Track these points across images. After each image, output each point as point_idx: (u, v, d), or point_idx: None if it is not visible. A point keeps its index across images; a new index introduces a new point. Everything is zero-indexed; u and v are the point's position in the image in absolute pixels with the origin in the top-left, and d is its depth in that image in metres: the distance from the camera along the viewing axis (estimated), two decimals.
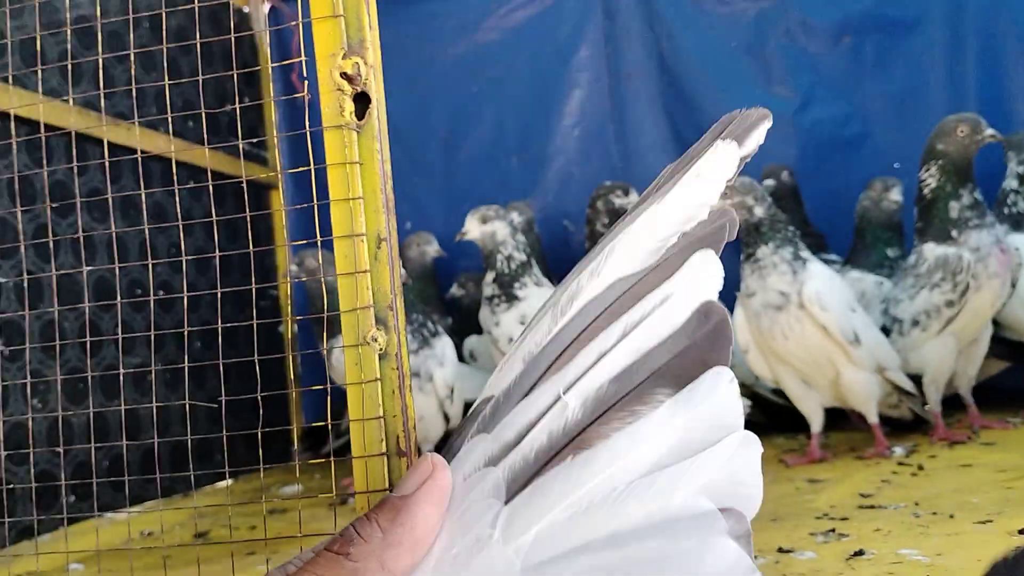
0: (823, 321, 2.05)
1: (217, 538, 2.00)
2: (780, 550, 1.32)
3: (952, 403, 2.40)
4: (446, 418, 2.41)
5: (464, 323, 3.03)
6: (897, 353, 2.27)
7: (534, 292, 2.44)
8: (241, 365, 3.19)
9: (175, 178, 1.45)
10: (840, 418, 2.43)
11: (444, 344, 2.38)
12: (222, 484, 2.76)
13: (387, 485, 0.88)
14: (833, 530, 1.41)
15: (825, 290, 2.08)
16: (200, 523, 2.21)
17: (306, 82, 1.02)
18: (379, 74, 0.98)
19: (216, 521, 2.23)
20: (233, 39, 1.36)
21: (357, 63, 0.95)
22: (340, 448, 3.10)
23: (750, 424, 0.62)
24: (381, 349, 0.94)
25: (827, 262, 2.97)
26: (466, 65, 3.47)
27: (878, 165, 3.09)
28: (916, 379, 2.29)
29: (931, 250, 2.24)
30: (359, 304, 0.95)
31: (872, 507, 1.54)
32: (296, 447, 3.50)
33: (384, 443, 0.90)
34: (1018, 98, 3.04)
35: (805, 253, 2.13)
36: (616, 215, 2.81)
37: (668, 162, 2.69)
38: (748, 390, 2.53)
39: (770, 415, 2.62)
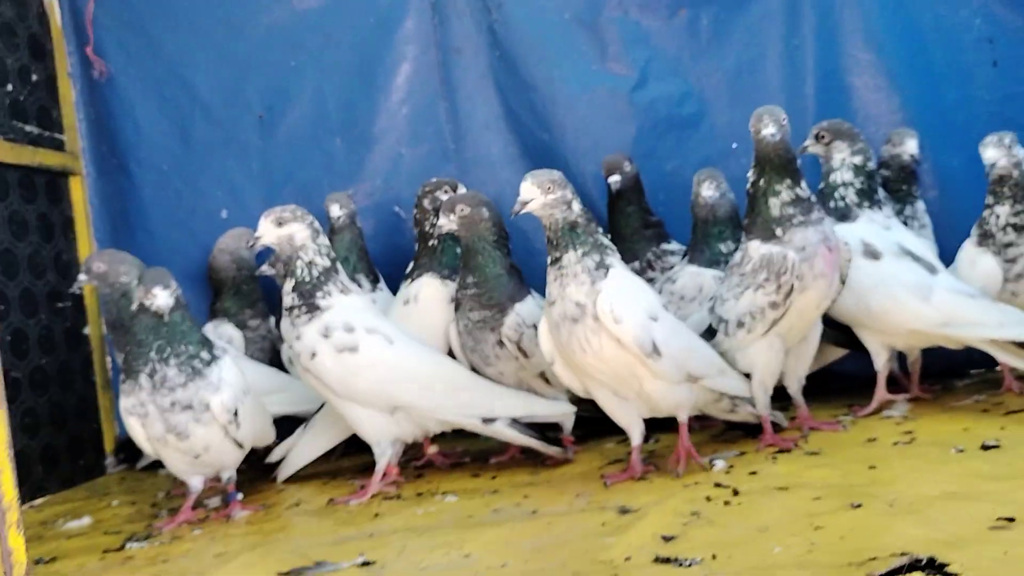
0: (617, 333, 1.89)
1: None
2: None
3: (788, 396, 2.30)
4: (237, 444, 2.18)
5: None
6: (724, 354, 2.16)
7: (339, 301, 2.21)
8: (40, 372, 2.86)
9: None
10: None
11: (221, 368, 2.13)
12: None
13: None
14: None
15: (620, 300, 1.91)
16: None
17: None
18: None
19: None
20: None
21: None
22: (154, 463, 2.82)
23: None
24: None
25: (669, 252, 2.85)
26: (282, 34, 3.15)
27: (716, 146, 2.97)
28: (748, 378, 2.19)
29: (756, 248, 2.11)
30: None
31: (668, 560, 1.39)
32: (110, 458, 3.20)
33: None
34: (854, 71, 2.95)
35: (611, 259, 1.96)
36: None
37: (502, 143, 2.50)
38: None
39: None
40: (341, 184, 3.05)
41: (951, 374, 2.63)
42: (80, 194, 3.19)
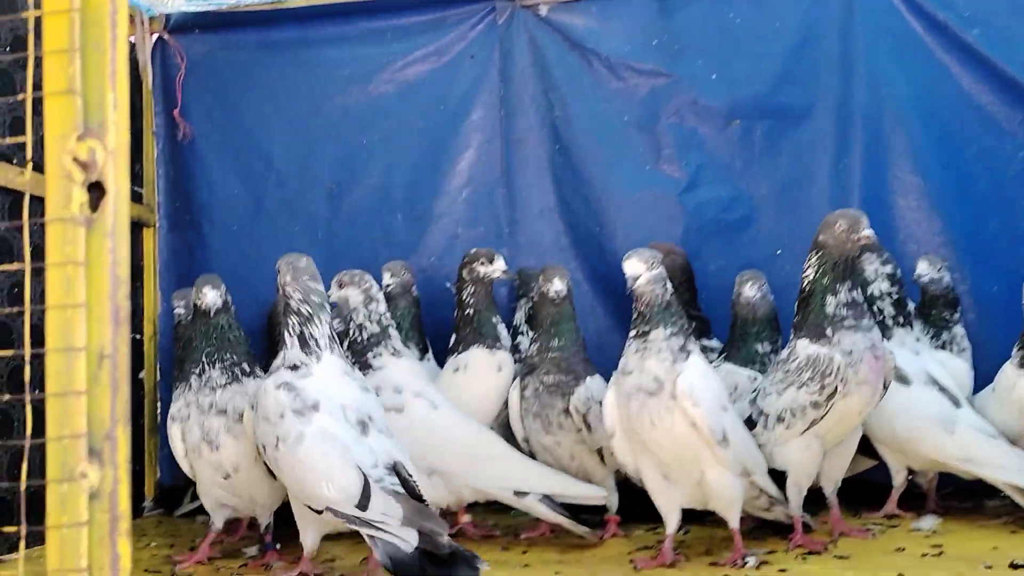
0: (693, 416, 1.97)
1: None
2: None
3: (821, 498, 2.35)
4: (270, 473, 2.16)
5: None
6: (761, 447, 2.21)
7: (390, 362, 2.34)
8: None
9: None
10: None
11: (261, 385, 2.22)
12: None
13: None
14: None
15: (700, 385, 2.00)
16: None
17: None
18: (122, 161, 0.85)
19: None
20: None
21: (93, 148, 0.82)
22: (196, 510, 2.90)
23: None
24: (93, 488, 0.81)
25: (709, 349, 2.92)
26: (357, 115, 3.35)
27: (760, 251, 3.08)
28: (782, 475, 2.24)
29: (803, 347, 2.18)
30: (68, 432, 0.82)
31: None
32: (148, 502, 3.28)
33: None
34: (899, 192, 3.06)
35: (692, 346, 2.06)
36: (481, 283, 2.72)
37: (555, 232, 2.62)
38: (619, 475, 2.45)
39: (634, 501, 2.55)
40: (398, 257, 3.18)
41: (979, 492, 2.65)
42: (151, 245, 3.37)
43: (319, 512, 1.92)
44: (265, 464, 2.12)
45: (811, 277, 2.21)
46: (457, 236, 3.29)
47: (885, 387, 2.24)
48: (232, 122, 3.40)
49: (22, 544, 1.02)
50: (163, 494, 3.23)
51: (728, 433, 2.02)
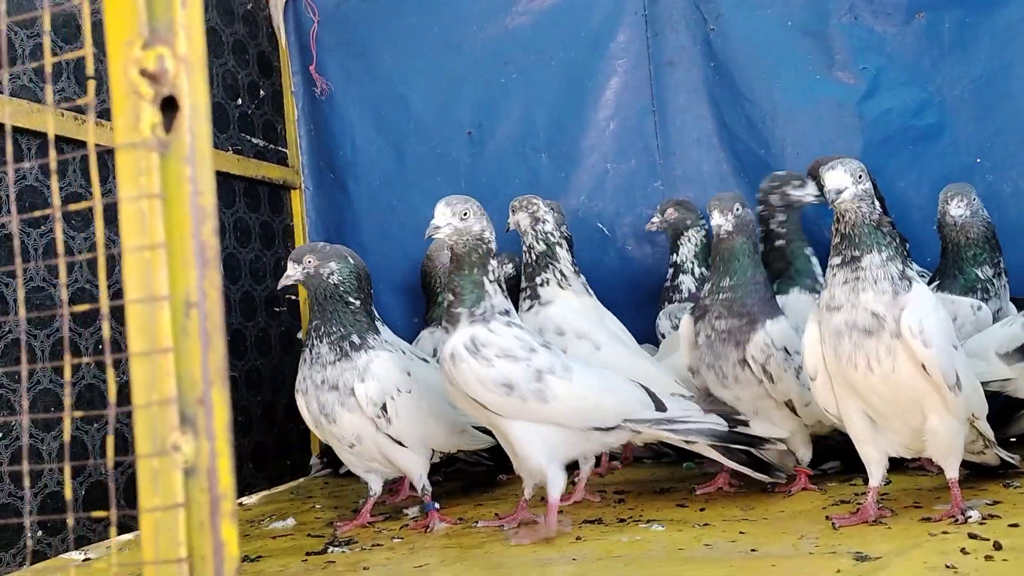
0: (923, 358, 1.67)
1: None
2: None
3: None
4: (396, 441, 2.13)
5: None
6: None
7: (557, 295, 2.37)
8: (255, 372, 2.99)
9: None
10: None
11: (370, 358, 2.11)
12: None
13: None
14: None
15: (930, 321, 1.69)
16: None
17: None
18: (198, 70, 0.69)
19: None
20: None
21: (162, 55, 0.67)
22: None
23: None
24: (187, 462, 0.67)
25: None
26: (494, 52, 3.16)
27: (957, 161, 2.69)
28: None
29: None
30: (156, 397, 0.68)
31: None
32: (315, 460, 3.29)
33: None
34: None
35: (912, 271, 1.74)
36: (793, 210, 2.46)
37: (714, 159, 2.35)
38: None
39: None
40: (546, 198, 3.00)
41: None
42: (299, 206, 3.33)
43: (608, 429, 1.99)
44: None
45: None
46: (607, 172, 3.07)
47: None
48: (368, 74, 3.29)
49: (113, 530, 0.91)
50: (326, 450, 3.22)
51: (960, 375, 1.72)
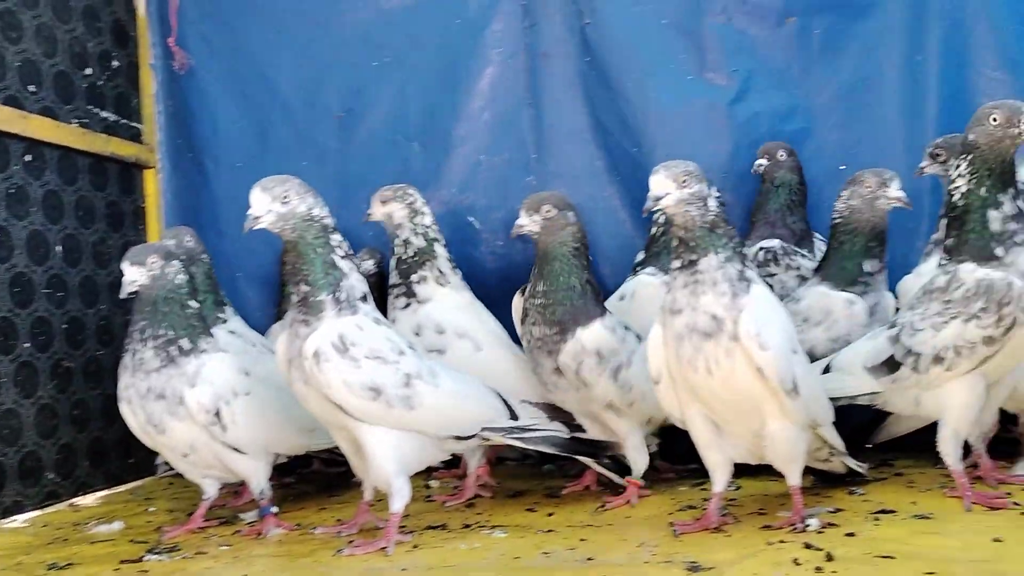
0: (759, 362, 1.63)
1: None
2: None
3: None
4: (234, 449, 2.00)
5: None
6: (901, 392, 1.88)
7: (435, 293, 2.31)
8: (95, 363, 2.77)
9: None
10: None
11: (202, 362, 1.97)
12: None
13: None
14: None
15: (767, 323, 1.65)
16: None
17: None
18: None
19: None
20: None
21: None
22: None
23: None
24: None
25: (797, 254, 2.51)
26: (366, 34, 3.01)
27: (822, 166, 2.69)
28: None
29: (969, 272, 1.78)
30: None
31: None
32: (160, 458, 3.08)
33: None
34: (985, 92, 2.62)
35: (751, 272, 1.71)
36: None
37: (588, 155, 2.24)
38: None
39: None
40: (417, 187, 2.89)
41: None
42: (154, 186, 3.12)
43: (468, 438, 1.92)
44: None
45: (963, 188, 1.80)
46: (480, 163, 2.97)
47: None
48: (233, 49, 3.10)
49: None
50: None
51: (798, 380, 1.68)
